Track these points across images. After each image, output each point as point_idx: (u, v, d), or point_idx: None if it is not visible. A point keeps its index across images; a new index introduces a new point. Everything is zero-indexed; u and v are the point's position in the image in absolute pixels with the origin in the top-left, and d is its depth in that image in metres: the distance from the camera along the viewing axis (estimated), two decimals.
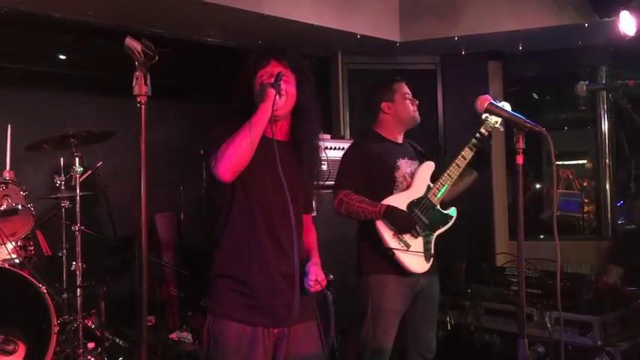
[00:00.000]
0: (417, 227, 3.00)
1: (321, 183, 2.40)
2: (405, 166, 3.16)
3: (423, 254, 3.02)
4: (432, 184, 3.10)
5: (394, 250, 2.96)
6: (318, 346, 2.29)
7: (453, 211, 3.12)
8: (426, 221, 3.04)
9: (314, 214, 2.50)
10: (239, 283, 2.16)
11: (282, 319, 2.16)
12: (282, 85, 2.11)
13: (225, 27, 4.51)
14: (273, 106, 2.07)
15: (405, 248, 2.98)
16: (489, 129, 3.00)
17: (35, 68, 4.97)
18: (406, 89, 3.26)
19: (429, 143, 4.40)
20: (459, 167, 3.05)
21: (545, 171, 6.30)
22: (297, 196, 2.22)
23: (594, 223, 5.86)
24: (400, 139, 3.27)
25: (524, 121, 2.29)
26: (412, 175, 3.14)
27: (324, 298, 2.25)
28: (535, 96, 6.21)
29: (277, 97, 2.09)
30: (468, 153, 3.04)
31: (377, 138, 3.24)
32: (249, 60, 2.22)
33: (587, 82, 2.75)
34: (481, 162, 3.15)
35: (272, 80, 2.11)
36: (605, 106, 5.64)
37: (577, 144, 6.51)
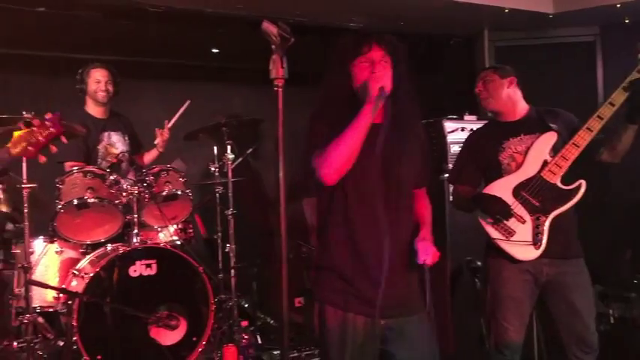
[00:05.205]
0: (519, 211, 2.79)
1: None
2: (515, 144, 2.92)
3: (530, 241, 2.78)
4: (549, 159, 2.83)
5: (495, 240, 2.83)
6: (431, 342, 2.21)
7: (578, 186, 2.79)
8: (536, 203, 2.79)
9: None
10: (340, 270, 2.12)
11: (387, 310, 2.09)
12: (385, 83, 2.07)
13: (367, 11, 4.49)
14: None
15: (506, 237, 2.80)
16: None
17: (190, 62, 5.31)
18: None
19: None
20: (591, 131, 2.74)
21: None
22: (399, 176, 2.16)
23: None
24: (519, 115, 3.00)
25: None
26: (525, 152, 2.89)
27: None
28: None
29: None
30: (606, 111, 2.73)
31: (489, 122, 3.17)
32: (345, 45, 2.18)
33: None
34: (636, 111, 2.73)
35: (380, 88, 2.04)
36: None
37: None
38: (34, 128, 1.94)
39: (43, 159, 1.97)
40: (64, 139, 1.98)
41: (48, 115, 1.97)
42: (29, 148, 1.94)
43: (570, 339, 2.87)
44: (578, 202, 2.81)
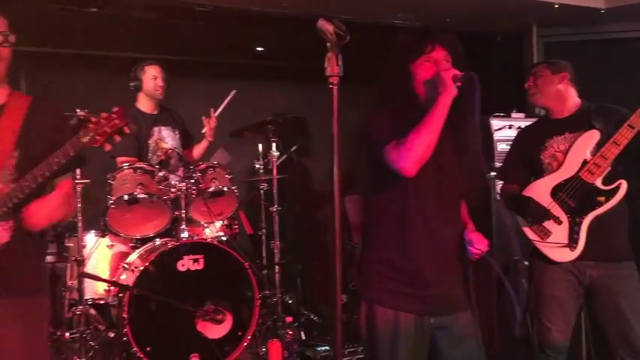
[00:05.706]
0: (556, 212, 2.74)
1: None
2: (558, 143, 2.86)
3: (565, 243, 2.73)
4: (589, 158, 2.74)
5: (532, 241, 2.81)
6: (476, 341, 2.18)
7: (618, 186, 2.70)
8: (573, 204, 2.73)
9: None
10: (392, 268, 2.12)
11: (438, 307, 2.10)
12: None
13: (413, 7, 4.46)
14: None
15: (542, 238, 2.77)
16: None
17: (236, 61, 5.37)
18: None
19: None
20: (633, 128, 2.63)
21: None
22: (456, 174, 2.16)
23: None
24: (566, 112, 2.92)
25: None
26: (566, 151, 2.81)
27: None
28: None
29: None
30: None
31: (539, 119, 3.14)
32: (406, 44, 2.18)
33: None
34: None
35: (454, 75, 2.06)
36: None
37: None
38: (102, 120, 2.10)
39: (108, 147, 2.14)
40: (127, 130, 2.13)
41: (115, 109, 2.13)
42: (97, 137, 2.10)
43: (618, 343, 2.81)
44: (628, 200, 2.74)
